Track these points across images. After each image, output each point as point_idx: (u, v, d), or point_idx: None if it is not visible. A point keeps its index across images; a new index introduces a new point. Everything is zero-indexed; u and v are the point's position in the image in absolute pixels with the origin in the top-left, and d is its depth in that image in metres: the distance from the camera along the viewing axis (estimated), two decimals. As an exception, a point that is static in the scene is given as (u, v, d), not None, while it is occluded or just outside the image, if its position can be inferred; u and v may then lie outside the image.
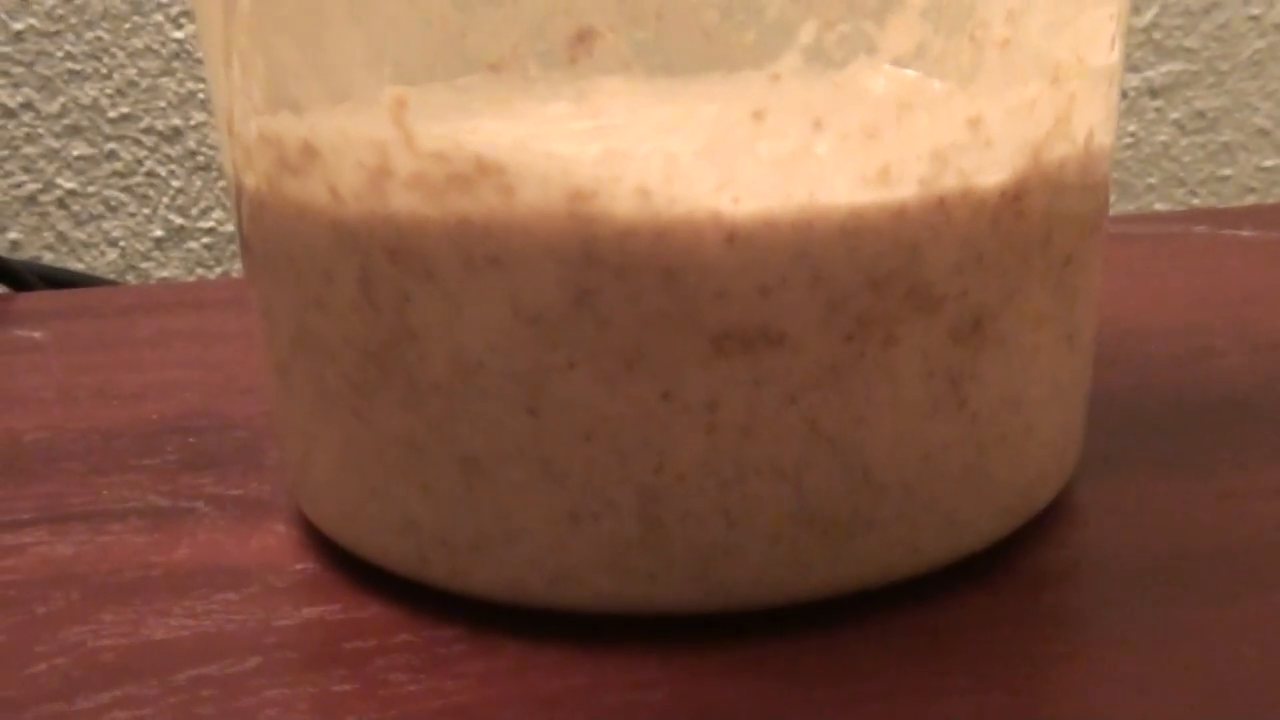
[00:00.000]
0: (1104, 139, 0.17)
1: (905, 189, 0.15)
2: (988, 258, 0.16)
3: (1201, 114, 0.57)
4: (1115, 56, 0.18)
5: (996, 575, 0.17)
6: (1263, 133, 0.58)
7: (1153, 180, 0.58)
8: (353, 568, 0.18)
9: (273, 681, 0.15)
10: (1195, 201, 0.58)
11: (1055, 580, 0.17)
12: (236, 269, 0.53)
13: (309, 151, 0.16)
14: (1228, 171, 0.58)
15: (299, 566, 0.18)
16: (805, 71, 0.15)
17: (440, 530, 0.16)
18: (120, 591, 0.18)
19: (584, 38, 0.21)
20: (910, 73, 0.15)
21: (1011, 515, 0.18)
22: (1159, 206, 0.58)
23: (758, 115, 0.14)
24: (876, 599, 0.17)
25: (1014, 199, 0.16)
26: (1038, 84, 0.15)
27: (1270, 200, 0.58)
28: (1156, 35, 0.56)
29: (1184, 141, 0.57)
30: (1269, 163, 0.58)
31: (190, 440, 0.23)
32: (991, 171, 0.15)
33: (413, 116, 0.15)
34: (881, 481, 0.16)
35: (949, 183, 0.15)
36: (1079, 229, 0.17)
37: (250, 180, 0.17)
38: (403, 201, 0.15)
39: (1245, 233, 0.31)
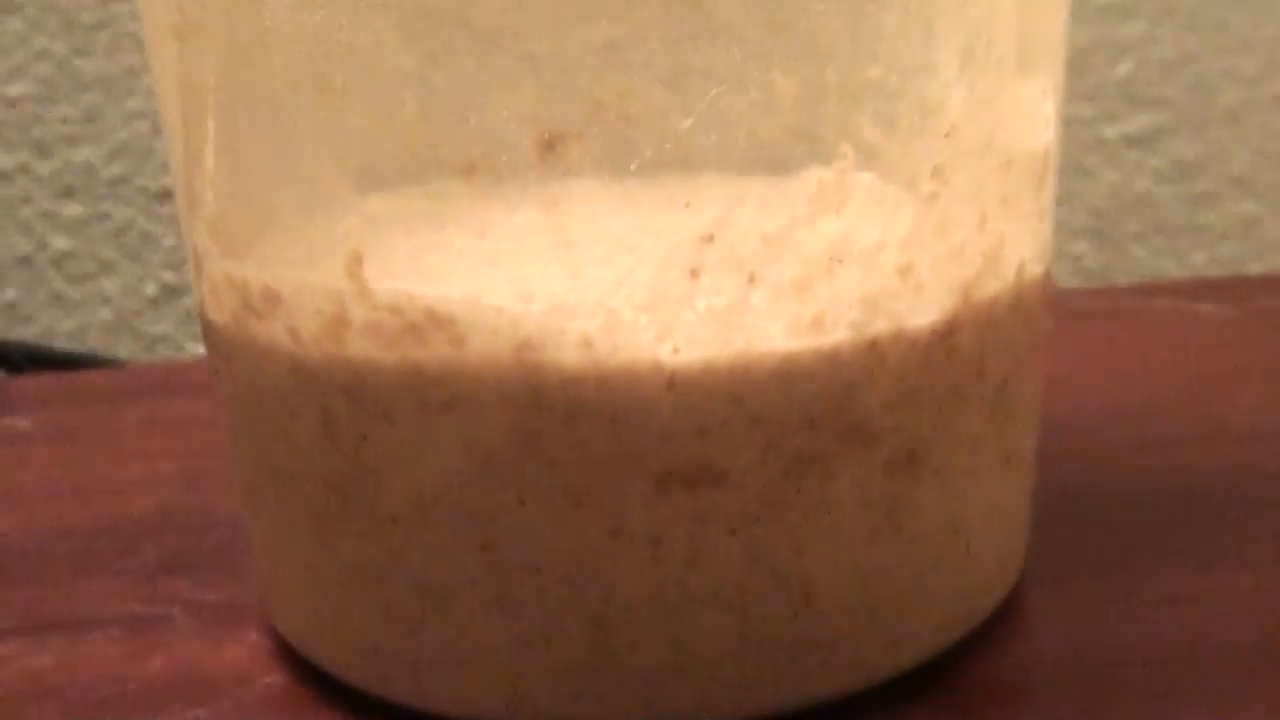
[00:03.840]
0: (1036, 269, 0.18)
1: (838, 334, 0.16)
2: (921, 393, 0.16)
3: (1179, 163, 0.58)
4: (1049, 138, 0.18)
5: (942, 687, 0.18)
6: (1239, 181, 0.58)
7: (1133, 228, 0.58)
8: (321, 680, 0.19)
9: (239, 805, 0.16)
10: (1174, 246, 0.58)
11: (999, 692, 0.18)
12: (228, 326, 0.54)
13: (271, 296, 0.17)
14: (1207, 219, 0.59)
15: (268, 680, 0.19)
16: (739, 220, 0.16)
17: (401, 653, 0.17)
18: (96, 707, 0.18)
19: (552, 143, 0.21)
20: (866, 176, 0.16)
21: (953, 628, 0.18)
22: (1139, 252, 0.59)
23: (694, 273, 0.15)
24: (821, 715, 0.17)
25: (945, 336, 0.16)
26: (965, 232, 0.16)
27: (1247, 246, 0.59)
28: (1133, 87, 0.57)
29: (1163, 190, 0.58)
30: (1246, 210, 0.59)
31: (169, 539, 0.23)
32: (923, 313, 0.16)
33: (369, 271, 0.16)
34: (823, 606, 0.17)
35: (881, 326, 0.16)
36: (1013, 356, 0.18)
37: (217, 317, 0.18)
38: (359, 348, 0.16)
39: (1205, 307, 0.32)
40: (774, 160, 0.17)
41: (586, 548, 0.16)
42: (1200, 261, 0.59)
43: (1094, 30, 0.57)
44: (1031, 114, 0.18)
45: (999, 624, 0.19)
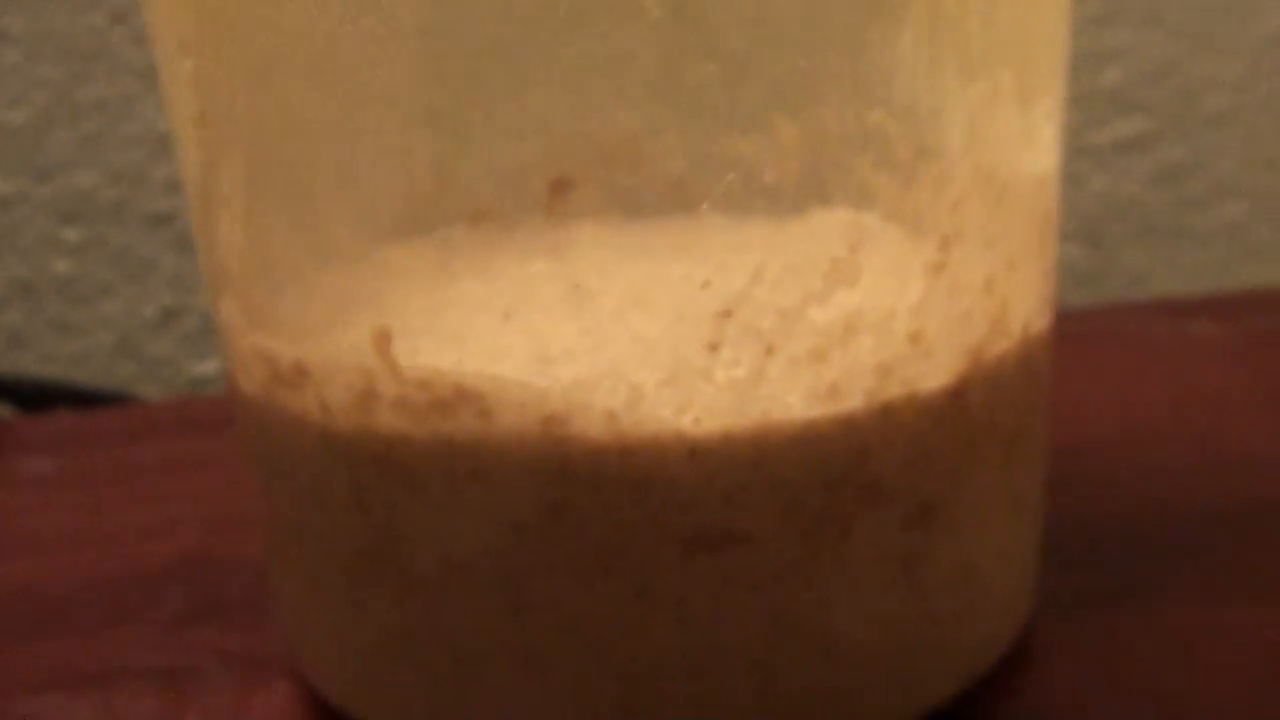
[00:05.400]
0: (1040, 325, 0.19)
1: (853, 401, 0.16)
2: (934, 451, 0.17)
3: (1167, 167, 0.58)
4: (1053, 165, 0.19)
5: (955, 729, 0.19)
6: (1227, 184, 0.59)
7: (1124, 232, 0.59)
8: (353, 733, 0.19)
9: None
10: (1164, 249, 0.59)
11: (1011, 731, 0.19)
12: (230, 347, 0.54)
13: (301, 370, 0.17)
14: (1196, 222, 0.60)
15: (301, 733, 0.19)
16: (756, 296, 0.16)
17: (433, 711, 0.18)
18: (134, 765, 0.19)
19: (561, 186, 0.22)
20: (878, 245, 0.17)
21: (967, 671, 0.19)
22: (1129, 255, 0.60)
23: (713, 347, 0.16)
24: (841, 762, 0.18)
25: (956, 397, 0.17)
26: (972, 297, 0.17)
27: (1236, 248, 0.60)
28: (1120, 94, 0.57)
29: (1152, 194, 0.59)
30: (1234, 212, 0.59)
31: (194, 586, 0.24)
32: (934, 376, 0.17)
33: (396, 347, 0.16)
34: (842, 659, 0.17)
35: (894, 391, 0.16)
36: (1021, 409, 0.18)
37: (246, 385, 0.18)
38: (388, 421, 0.16)
39: (1204, 327, 0.33)
40: (778, 201, 0.18)
41: (614, 610, 0.16)
42: (1190, 264, 0.59)
43: (1080, 38, 0.57)
44: (1034, 153, 0.19)
45: (1012, 663, 0.20)
